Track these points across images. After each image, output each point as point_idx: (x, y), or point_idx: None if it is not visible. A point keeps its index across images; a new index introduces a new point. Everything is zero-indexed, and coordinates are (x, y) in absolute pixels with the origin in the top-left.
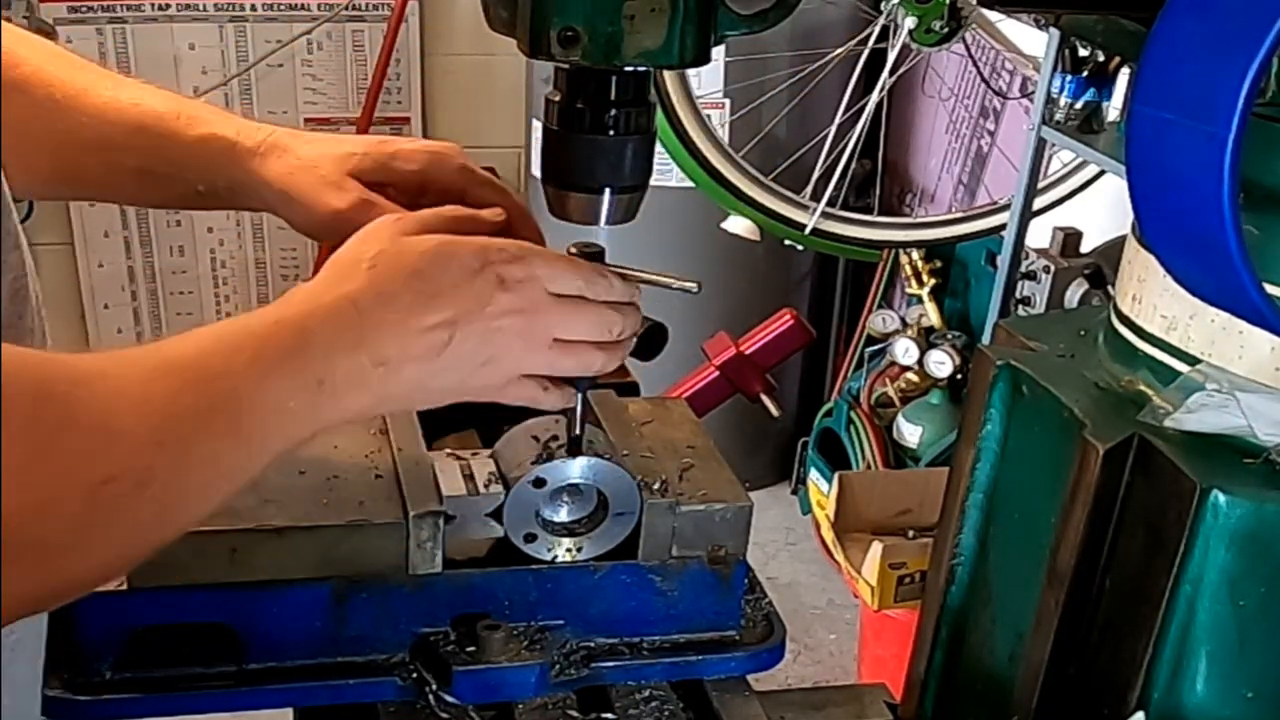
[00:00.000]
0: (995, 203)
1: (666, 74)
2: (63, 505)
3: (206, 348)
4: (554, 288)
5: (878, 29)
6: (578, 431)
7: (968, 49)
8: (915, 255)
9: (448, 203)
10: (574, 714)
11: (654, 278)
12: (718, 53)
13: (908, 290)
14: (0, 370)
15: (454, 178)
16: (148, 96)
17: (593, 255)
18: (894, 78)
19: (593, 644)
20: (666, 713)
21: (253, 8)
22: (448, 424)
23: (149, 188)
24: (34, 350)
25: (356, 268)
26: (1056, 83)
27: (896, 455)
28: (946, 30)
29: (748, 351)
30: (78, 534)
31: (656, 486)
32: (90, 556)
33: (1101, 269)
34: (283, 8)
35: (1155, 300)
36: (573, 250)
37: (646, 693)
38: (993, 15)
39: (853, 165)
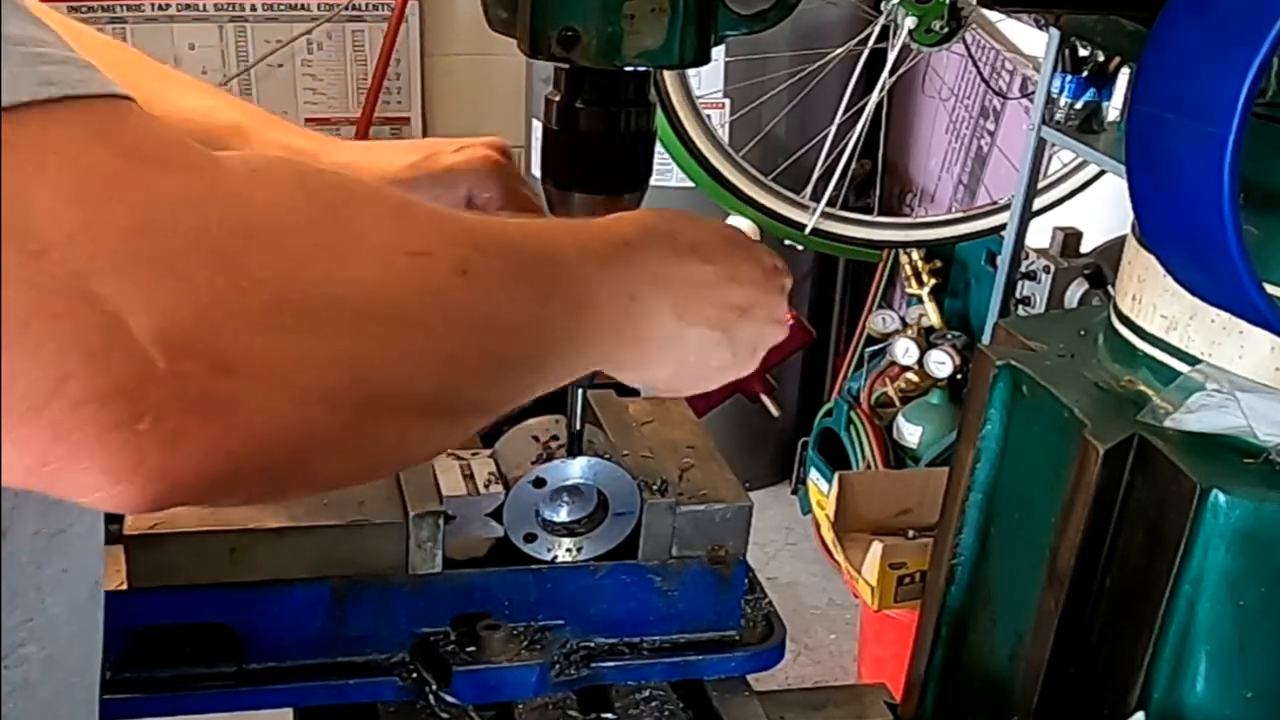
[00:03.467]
0: (995, 203)
1: (666, 74)
2: (358, 263)
3: (528, 221)
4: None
5: (878, 29)
6: (577, 428)
7: (968, 49)
8: (915, 255)
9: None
10: (574, 714)
11: None
12: (718, 53)
13: (908, 290)
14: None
15: (492, 193)
16: (205, 105)
17: None
18: (894, 78)
19: (593, 644)
20: (666, 713)
21: (253, 8)
22: None
23: None
24: None
25: (675, 215)
26: (1056, 83)
27: (896, 455)
28: (946, 30)
29: None
30: (384, 303)
31: (656, 486)
32: (400, 340)
33: (1101, 269)
34: (283, 8)
35: (1155, 300)
36: None
37: (646, 693)
38: (993, 15)
39: (853, 165)
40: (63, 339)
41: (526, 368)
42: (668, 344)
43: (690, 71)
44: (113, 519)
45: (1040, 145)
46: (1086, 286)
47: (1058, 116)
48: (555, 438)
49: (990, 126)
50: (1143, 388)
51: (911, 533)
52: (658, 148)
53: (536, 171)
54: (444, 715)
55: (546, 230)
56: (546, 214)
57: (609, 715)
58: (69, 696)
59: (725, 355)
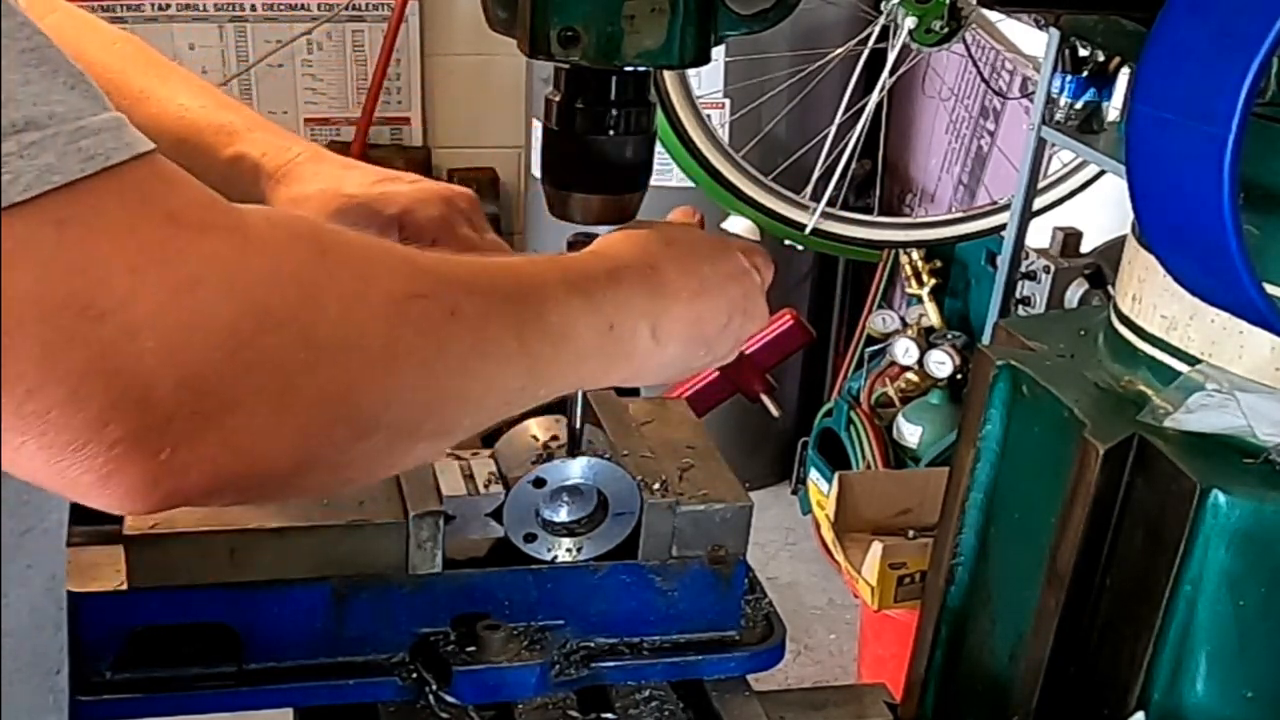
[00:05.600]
0: (995, 203)
1: (666, 74)
2: (367, 307)
3: (514, 259)
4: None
5: (878, 29)
6: (577, 425)
7: (968, 49)
8: (915, 255)
9: (416, 243)
10: (574, 714)
11: None
12: (718, 53)
13: (908, 290)
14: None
15: (428, 223)
16: (197, 104)
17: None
18: (894, 78)
19: (593, 644)
20: (666, 713)
21: (253, 8)
22: None
23: None
24: None
25: (651, 238)
26: (1056, 83)
27: (896, 455)
28: (946, 30)
29: (748, 351)
30: (388, 341)
31: (656, 486)
32: (402, 373)
33: (1101, 269)
34: (283, 8)
35: (1155, 300)
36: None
37: (646, 693)
38: (993, 15)
39: (853, 165)
40: (111, 392)
41: (514, 393)
42: (649, 361)
43: (690, 71)
44: (111, 519)
45: (1040, 145)
46: (1086, 286)
47: (1058, 116)
48: (555, 437)
49: (990, 126)
50: (1143, 388)
51: (911, 533)
52: (658, 148)
53: (536, 172)
54: (444, 715)
55: (531, 268)
56: (497, 252)
57: (609, 715)
58: (29, 689)
59: (706, 359)
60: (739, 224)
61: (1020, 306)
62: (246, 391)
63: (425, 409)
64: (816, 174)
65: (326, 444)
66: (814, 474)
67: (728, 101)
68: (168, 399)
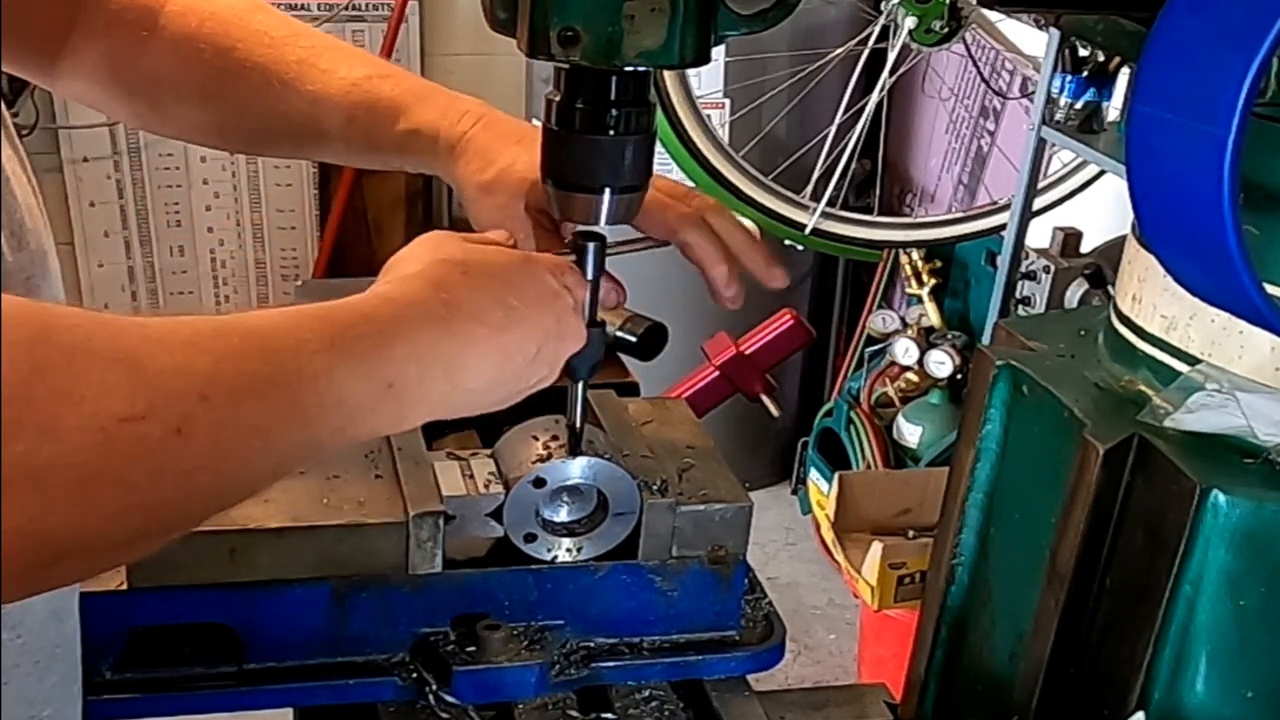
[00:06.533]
0: (995, 203)
1: (666, 74)
2: (68, 434)
3: (278, 322)
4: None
5: (878, 29)
6: (577, 423)
7: (968, 49)
8: (915, 255)
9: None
10: (574, 714)
11: None
12: (718, 53)
13: (908, 290)
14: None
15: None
16: (360, 74)
17: (593, 238)
18: (894, 78)
19: (593, 644)
20: (666, 713)
21: None
22: (448, 424)
23: (357, 163)
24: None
25: (450, 269)
26: (1056, 83)
27: (896, 455)
28: (946, 30)
29: (748, 351)
30: (87, 471)
31: (656, 486)
32: (101, 501)
33: (1101, 269)
34: (283, 8)
35: (1155, 300)
36: (572, 239)
37: (646, 693)
38: (993, 15)
39: (853, 165)
40: None
41: (267, 476)
42: (449, 401)
43: (690, 71)
44: None
45: (1040, 145)
46: (1086, 286)
47: (1058, 116)
48: (555, 437)
49: (990, 126)
50: (1143, 388)
51: (911, 533)
52: (658, 148)
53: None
54: (444, 715)
55: (292, 337)
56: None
57: (609, 715)
58: (46, 681)
59: (517, 388)
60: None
61: (1020, 306)
62: None
63: (131, 524)
64: (816, 174)
65: (18, 574)
66: (814, 474)
67: (728, 101)
68: None
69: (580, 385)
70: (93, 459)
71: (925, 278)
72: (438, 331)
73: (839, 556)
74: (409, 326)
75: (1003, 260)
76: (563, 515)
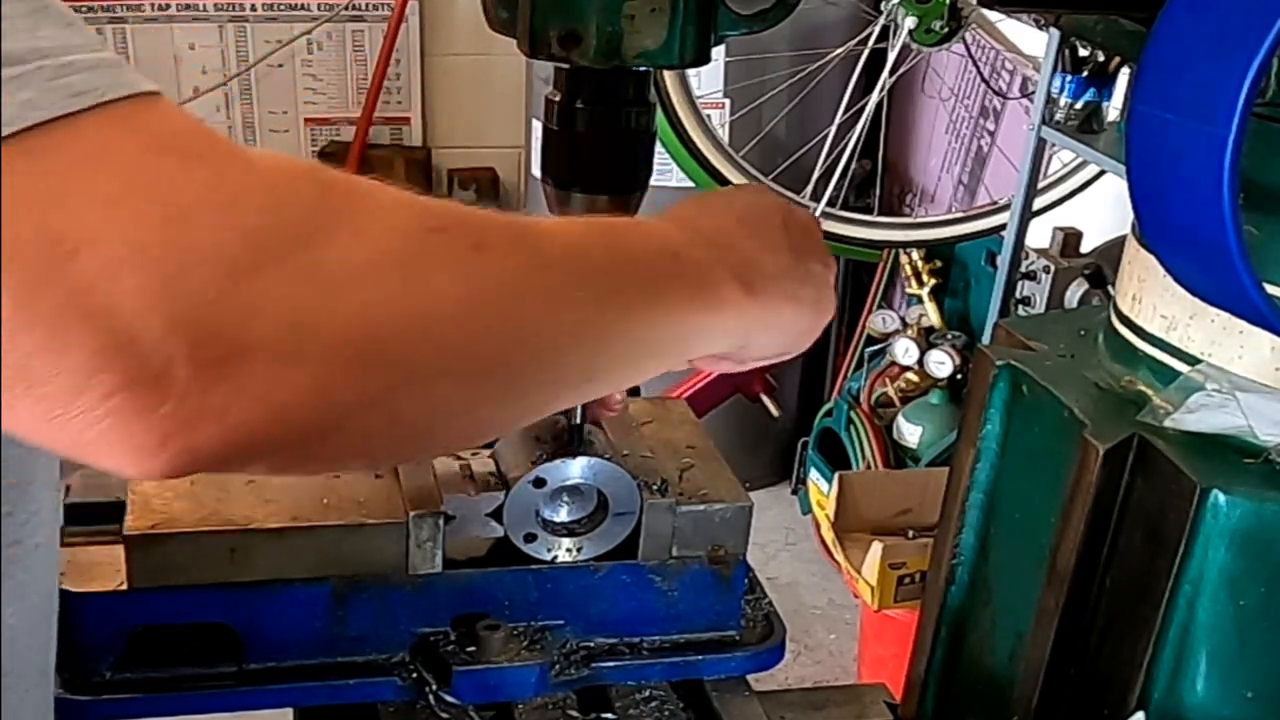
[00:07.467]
0: (995, 203)
1: (666, 74)
2: (380, 239)
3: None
4: None
5: (878, 29)
6: (577, 421)
7: (968, 49)
8: (915, 255)
9: None
10: (574, 714)
11: None
12: (718, 53)
13: (908, 290)
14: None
15: None
16: None
17: None
18: (894, 78)
19: (593, 644)
20: (666, 713)
21: (253, 8)
22: None
23: None
24: None
25: (726, 207)
26: (1056, 83)
27: (896, 455)
28: (946, 30)
29: None
30: (406, 275)
31: (656, 486)
32: (426, 309)
33: (1101, 269)
34: (283, 8)
35: (1155, 300)
36: None
37: (646, 693)
38: (993, 15)
39: (853, 165)
40: (94, 336)
41: (584, 327)
42: (743, 317)
43: (690, 71)
44: (110, 520)
45: (1040, 145)
46: (1086, 286)
47: (1058, 116)
48: (555, 437)
49: (990, 126)
50: (1143, 388)
51: (911, 533)
52: (658, 148)
53: (536, 172)
54: (444, 715)
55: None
56: None
57: (609, 715)
58: (26, 705)
59: (803, 340)
60: None
61: (1020, 306)
62: (252, 333)
63: (464, 352)
64: (816, 174)
65: (350, 390)
66: (814, 474)
67: (728, 101)
68: (161, 343)
69: None
70: (407, 263)
71: (925, 278)
72: (721, 253)
73: (839, 556)
74: (740, 235)
75: (1003, 260)
76: (563, 515)
